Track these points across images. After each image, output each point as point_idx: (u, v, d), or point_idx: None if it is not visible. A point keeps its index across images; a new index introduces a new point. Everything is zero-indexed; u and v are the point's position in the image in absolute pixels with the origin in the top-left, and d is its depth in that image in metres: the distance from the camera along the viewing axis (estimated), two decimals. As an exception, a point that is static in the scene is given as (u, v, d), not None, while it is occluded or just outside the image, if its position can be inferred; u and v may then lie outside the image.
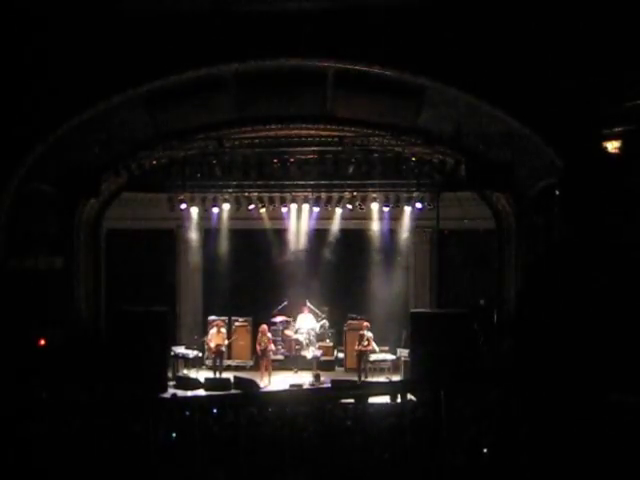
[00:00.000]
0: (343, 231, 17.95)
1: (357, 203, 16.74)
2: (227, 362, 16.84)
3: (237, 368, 16.85)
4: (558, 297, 2.88)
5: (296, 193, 16.96)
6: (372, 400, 5.46)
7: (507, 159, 12.83)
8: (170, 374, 15.86)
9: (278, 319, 17.58)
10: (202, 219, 17.81)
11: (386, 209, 17.00)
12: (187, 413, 5.89)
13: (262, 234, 18.05)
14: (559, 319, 2.85)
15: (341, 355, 17.55)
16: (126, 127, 13.78)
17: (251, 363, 17.21)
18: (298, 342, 17.21)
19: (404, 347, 16.28)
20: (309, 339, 17.03)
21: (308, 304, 17.49)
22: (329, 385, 14.69)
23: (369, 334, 16.05)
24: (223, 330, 16.57)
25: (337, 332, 17.66)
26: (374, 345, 16.04)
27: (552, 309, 2.90)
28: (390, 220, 17.58)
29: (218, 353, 16.26)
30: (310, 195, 17.00)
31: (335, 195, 16.98)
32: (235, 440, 4.42)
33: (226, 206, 17.10)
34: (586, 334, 2.78)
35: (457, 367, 12.85)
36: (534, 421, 2.89)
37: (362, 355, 15.99)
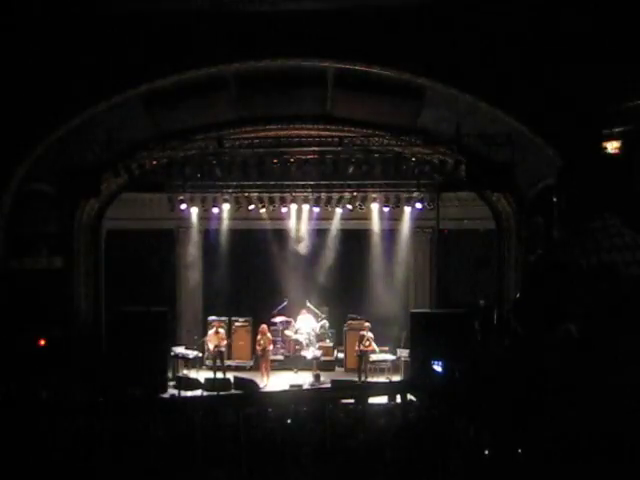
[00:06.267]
0: (343, 231, 17.96)
1: (357, 203, 16.75)
2: (227, 362, 16.84)
3: (237, 368, 16.85)
4: (557, 298, 2.89)
5: (296, 193, 16.96)
6: (372, 400, 5.46)
7: (507, 159, 12.81)
8: (170, 374, 15.86)
9: (278, 319, 17.59)
10: (202, 219, 17.83)
11: (386, 209, 17.02)
12: (187, 413, 5.90)
13: (262, 234, 18.06)
14: (558, 321, 2.85)
15: (341, 355, 17.55)
16: (126, 127, 13.76)
17: (251, 363, 17.23)
18: (298, 342, 17.22)
19: (404, 347, 16.28)
20: (309, 339, 17.03)
21: (308, 304, 17.50)
22: (329, 385, 14.69)
23: (370, 334, 16.04)
24: (221, 331, 16.56)
25: (337, 332, 17.67)
26: (374, 345, 16.04)
27: (552, 311, 2.90)
28: (390, 220, 17.60)
29: (217, 354, 16.28)
30: (310, 195, 17.01)
31: (335, 195, 16.98)
32: (235, 440, 4.42)
33: (226, 206, 17.12)
34: (586, 336, 2.79)
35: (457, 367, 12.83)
36: (534, 420, 2.90)
37: (362, 355, 15.99)
